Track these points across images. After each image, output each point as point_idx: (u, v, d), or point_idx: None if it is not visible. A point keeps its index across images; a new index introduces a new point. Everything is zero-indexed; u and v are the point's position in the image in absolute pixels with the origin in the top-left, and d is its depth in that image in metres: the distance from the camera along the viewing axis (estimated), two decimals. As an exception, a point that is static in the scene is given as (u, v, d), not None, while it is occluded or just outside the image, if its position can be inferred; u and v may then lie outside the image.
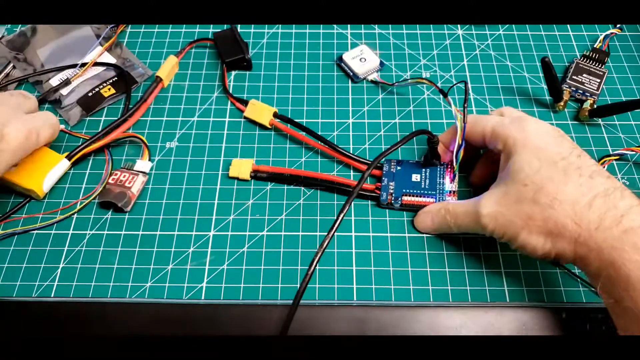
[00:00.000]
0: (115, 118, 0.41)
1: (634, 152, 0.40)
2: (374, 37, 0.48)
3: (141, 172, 0.39)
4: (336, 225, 0.32)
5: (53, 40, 0.47)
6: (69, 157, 0.39)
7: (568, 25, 0.49)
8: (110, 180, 0.38)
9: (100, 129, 0.41)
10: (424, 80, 0.41)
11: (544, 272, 0.35)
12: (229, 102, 0.44)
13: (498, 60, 0.47)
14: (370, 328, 0.33)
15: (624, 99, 0.44)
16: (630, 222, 0.27)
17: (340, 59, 0.46)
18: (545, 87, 0.44)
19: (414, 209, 0.37)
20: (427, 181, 0.37)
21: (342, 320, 0.33)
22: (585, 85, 0.43)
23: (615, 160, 0.40)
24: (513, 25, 0.49)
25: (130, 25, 0.49)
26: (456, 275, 0.35)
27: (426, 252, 0.36)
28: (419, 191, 0.36)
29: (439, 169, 0.37)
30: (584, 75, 0.44)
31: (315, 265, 0.31)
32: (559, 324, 0.33)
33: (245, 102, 0.43)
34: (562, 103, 0.43)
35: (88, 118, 0.43)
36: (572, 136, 0.42)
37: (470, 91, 0.44)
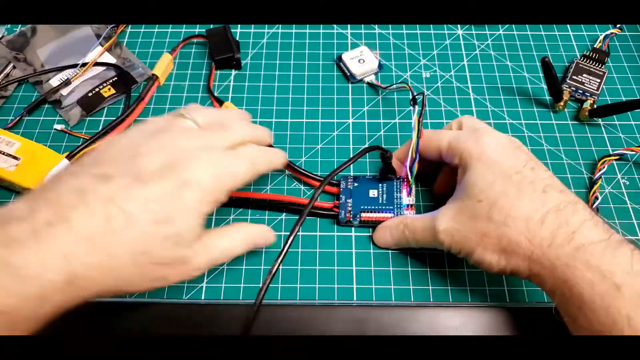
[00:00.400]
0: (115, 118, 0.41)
1: (634, 152, 0.40)
2: (374, 37, 0.48)
3: (141, 172, 0.39)
4: (287, 247, 0.31)
5: (53, 40, 0.47)
6: (69, 157, 0.39)
7: (568, 25, 0.49)
8: (110, 180, 0.38)
9: (100, 129, 0.41)
10: (405, 86, 0.41)
11: (544, 272, 0.35)
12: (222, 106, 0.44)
13: (498, 60, 0.47)
14: (370, 328, 0.33)
15: (624, 99, 0.44)
16: (581, 238, 0.26)
17: (339, 58, 0.46)
18: (545, 87, 0.44)
19: (374, 225, 0.36)
20: (385, 196, 0.36)
21: (342, 320, 0.33)
22: (585, 85, 0.43)
23: (615, 160, 0.40)
24: (513, 25, 0.49)
25: (130, 25, 0.49)
26: (456, 275, 0.35)
27: (426, 252, 0.36)
28: (377, 207, 0.36)
29: (395, 183, 0.37)
30: (584, 75, 0.44)
31: (279, 266, 0.30)
32: (559, 324, 0.33)
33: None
34: (562, 103, 0.43)
35: (88, 118, 0.43)
36: (572, 136, 0.42)
37: (471, 91, 0.44)
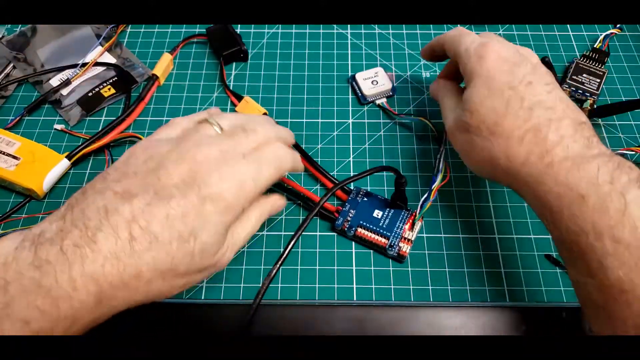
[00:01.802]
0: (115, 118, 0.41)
1: (634, 152, 0.40)
2: (373, 37, 0.48)
3: (141, 172, 0.39)
4: (292, 242, 0.32)
5: (53, 40, 0.47)
6: (69, 157, 0.39)
7: (568, 25, 0.49)
8: (110, 180, 0.38)
9: (100, 129, 0.41)
10: (426, 121, 0.41)
11: (544, 272, 0.35)
12: (229, 102, 0.44)
13: (498, 60, 0.46)
14: (370, 328, 0.33)
15: (624, 99, 0.44)
16: (553, 156, 0.27)
17: (353, 77, 0.44)
18: (545, 87, 0.44)
19: (366, 243, 0.36)
20: (387, 221, 0.36)
21: (342, 320, 0.34)
22: (585, 85, 0.44)
23: (615, 160, 0.40)
24: (513, 25, 0.49)
25: (130, 25, 0.49)
26: (456, 275, 0.35)
27: (426, 252, 0.36)
28: (375, 227, 0.36)
29: (403, 214, 0.36)
30: (584, 75, 0.44)
31: (279, 267, 0.31)
32: (559, 323, 0.33)
33: (241, 98, 0.43)
34: (562, 103, 0.43)
35: (88, 118, 0.43)
36: (572, 136, 0.42)
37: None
